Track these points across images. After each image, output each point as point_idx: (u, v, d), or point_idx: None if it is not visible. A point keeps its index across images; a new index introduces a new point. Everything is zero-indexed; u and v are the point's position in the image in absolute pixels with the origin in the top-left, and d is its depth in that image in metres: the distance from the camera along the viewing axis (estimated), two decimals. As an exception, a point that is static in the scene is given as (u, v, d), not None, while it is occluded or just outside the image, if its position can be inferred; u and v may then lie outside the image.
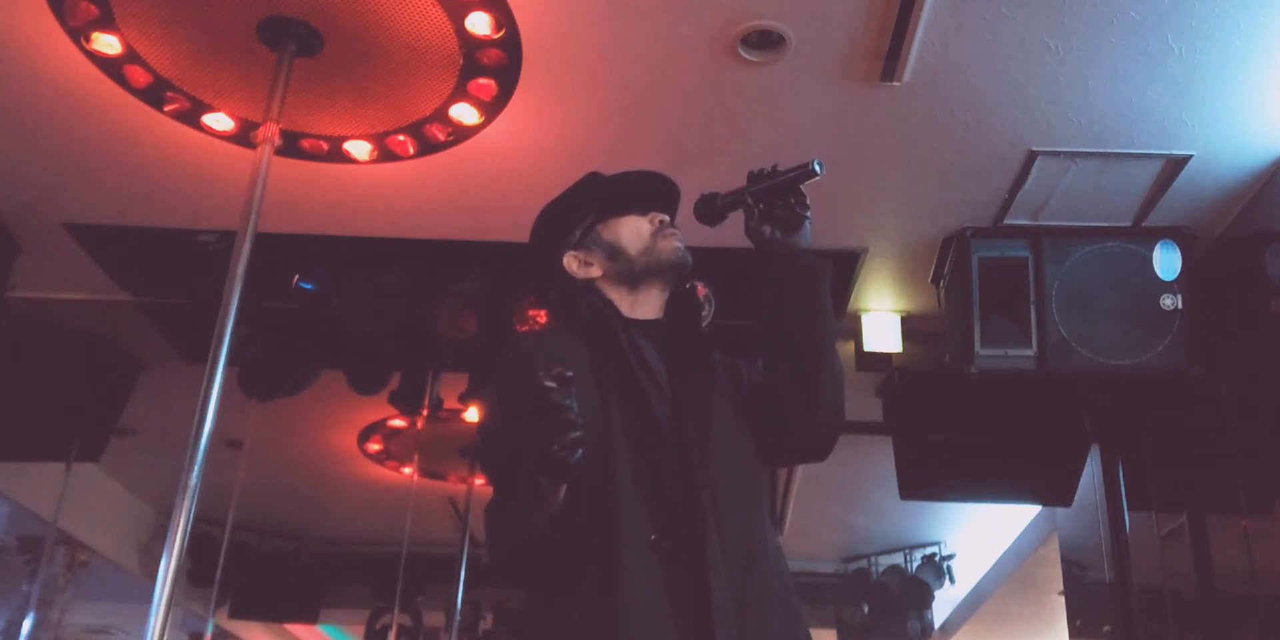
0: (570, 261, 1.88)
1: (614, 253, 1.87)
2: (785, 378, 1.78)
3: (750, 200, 1.79)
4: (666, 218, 1.91)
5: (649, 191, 1.95)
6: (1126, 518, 4.04)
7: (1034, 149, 3.14)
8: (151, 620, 2.16)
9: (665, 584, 1.55)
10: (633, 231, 1.88)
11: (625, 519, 1.58)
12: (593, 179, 1.98)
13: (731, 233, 1.87)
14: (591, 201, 1.93)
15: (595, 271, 1.87)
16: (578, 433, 1.46)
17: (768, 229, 1.79)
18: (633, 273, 1.86)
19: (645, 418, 1.67)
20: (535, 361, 1.71)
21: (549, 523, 1.55)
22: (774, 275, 1.81)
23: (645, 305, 1.87)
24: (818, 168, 1.75)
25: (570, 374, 1.47)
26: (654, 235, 1.87)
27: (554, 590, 1.64)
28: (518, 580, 1.73)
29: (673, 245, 1.87)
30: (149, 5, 2.61)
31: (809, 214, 1.79)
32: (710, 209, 1.82)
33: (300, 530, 6.85)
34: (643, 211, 1.91)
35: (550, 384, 1.46)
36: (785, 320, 1.79)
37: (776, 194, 1.78)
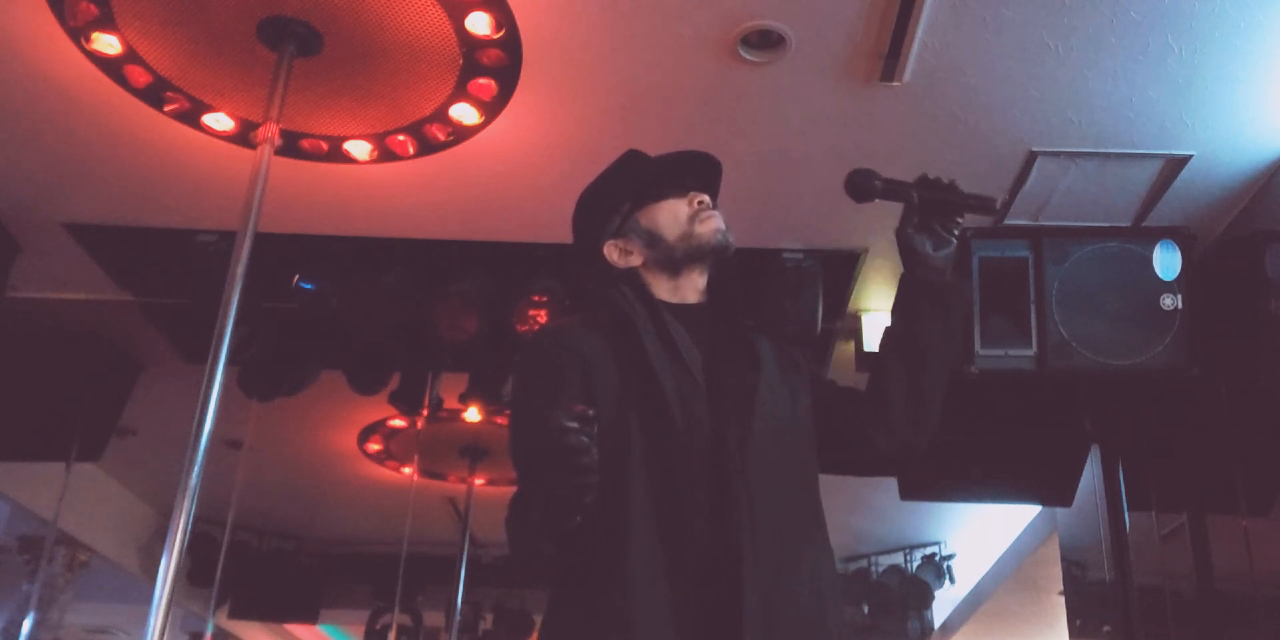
0: (610, 251, 1.83)
1: (652, 240, 1.82)
2: (898, 385, 1.76)
3: (915, 202, 1.75)
4: (706, 198, 1.85)
5: (688, 171, 1.89)
6: (1126, 518, 4.04)
7: (1034, 149, 3.14)
8: (151, 620, 2.16)
9: (667, 585, 1.51)
10: (670, 217, 1.82)
11: (634, 522, 1.55)
12: (630, 160, 1.92)
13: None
14: (628, 187, 1.87)
15: (636, 260, 1.82)
16: (593, 478, 1.43)
17: (920, 238, 1.76)
18: (672, 260, 1.81)
19: (664, 417, 1.62)
20: (551, 355, 1.70)
21: (559, 546, 1.53)
22: (912, 284, 1.79)
23: (685, 290, 1.82)
24: (998, 206, 1.71)
25: (592, 413, 1.42)
26: (691, 219, 1.82)
27: (563, 589, 1.63)
28: (531, 576, 1.71)
29: (712, 228, 1.82)
30: (149, 5, 2.61)
31: (955, 238, 1.77)
32: (866, 185, 1.77)
33: (300, 530, 6.85)
34: (681, 193, 1.85)
35: (570, 424, 1.40)
36: (913, 330, 1.78)
37: (943, 209, 1.75)
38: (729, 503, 1.56)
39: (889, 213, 3.70)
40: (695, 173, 1.90)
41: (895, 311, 1.81)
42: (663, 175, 1.88)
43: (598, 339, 1.71)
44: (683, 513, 1.56)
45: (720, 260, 1.84)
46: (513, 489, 1.64)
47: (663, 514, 1.56)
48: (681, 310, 1.78)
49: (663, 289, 1.81)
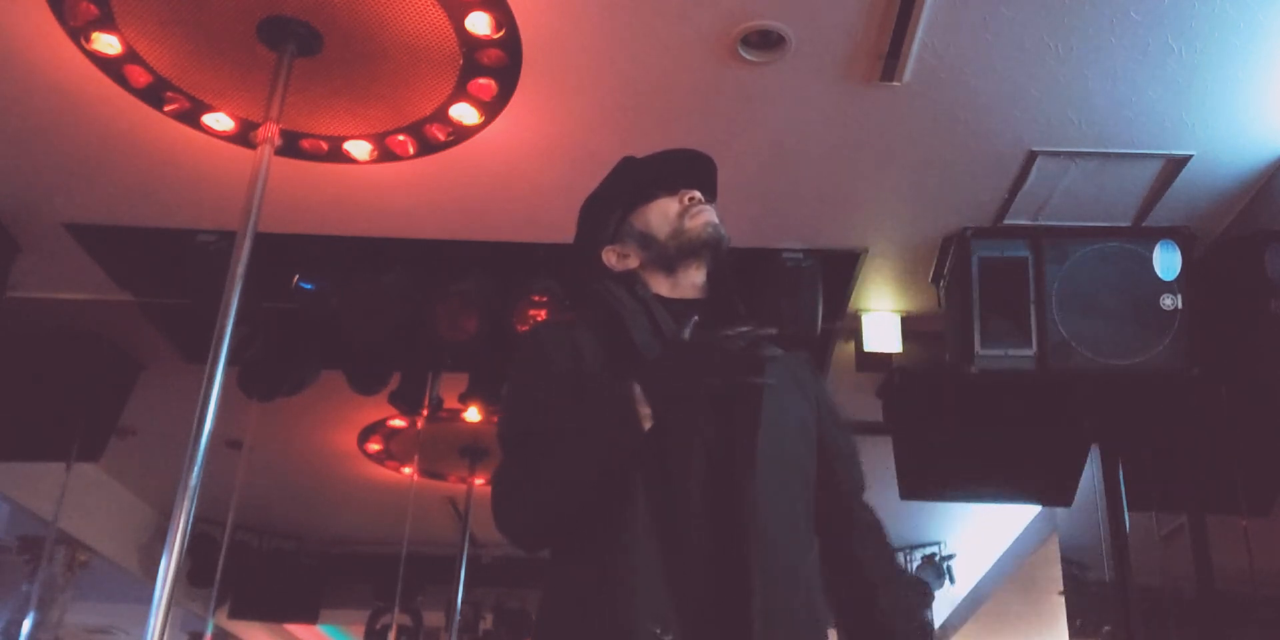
0: (609, 256, 1.83)
1: (646, 241, 1.81)
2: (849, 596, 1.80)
3: None
4: (696, 194, 1.84)
5: (679, 170, 1.89)
6: (1126, 518, 4.04)
7: (1034, 149, 3.14)
8: (151, 620, 2.16)
9: (667, 580, 1.50)
10: (661, 216, 1.82)
11: (629, 514, 1.54)
12: (625, 165, 1.92)
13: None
14: (621, 192, 1.88)
15: (633, 262, 1.82)
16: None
17: None
18: (667, 258, 1.80)
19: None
20: (546, 346, 1.70)
21: (601, 482, 1.54)
22: None
23: (684, 287, 1.81)
24: None
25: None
26: (681, 215, 1.81)
27: (556, 587, 1.62)
28: (528, 544, 1.64)
29: (701, 222, 1.81)
30: (149, 5, 2.61)
31: None
32: None
33: (300, 530, 6.85)
34: (672, 191, 1.85)
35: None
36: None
37: None
38: (737, 500, 1.55)
39: (889, 212, 3.72)
40: (687, 171, 1.89)
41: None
42: (653, 176, 1.88)
43: (589, 333, 1.71)
44: (679, 504, 1.55)
45: (716, 255, 1.82)
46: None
47: (659, 507, 1.54)
48: (675, 305, 1.77)
49: (661, 288, 1.81)
